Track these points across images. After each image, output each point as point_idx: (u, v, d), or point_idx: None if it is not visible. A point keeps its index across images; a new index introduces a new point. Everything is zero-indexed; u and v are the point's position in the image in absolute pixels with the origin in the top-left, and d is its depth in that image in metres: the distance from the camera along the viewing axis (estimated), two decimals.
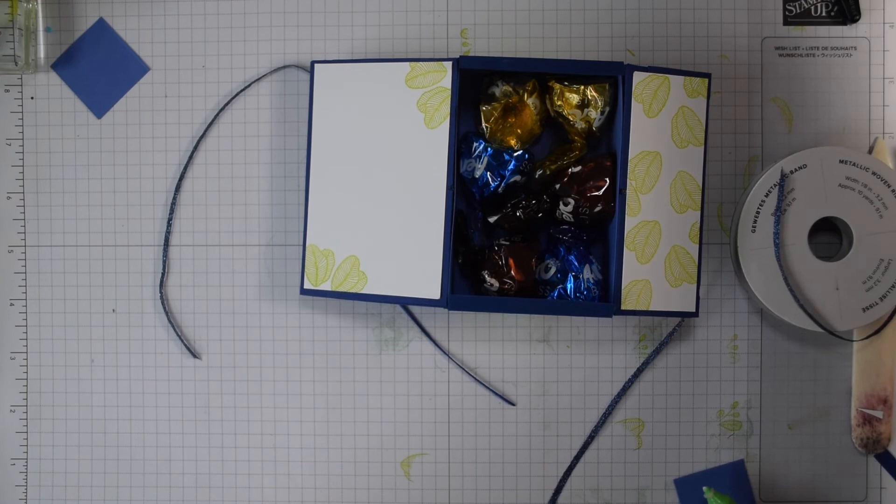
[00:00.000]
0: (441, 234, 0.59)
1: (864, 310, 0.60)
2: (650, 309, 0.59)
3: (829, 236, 0.63)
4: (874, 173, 0.60)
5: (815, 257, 0.61)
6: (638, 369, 0.64)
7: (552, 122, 0.62)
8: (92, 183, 0.65)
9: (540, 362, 0.64)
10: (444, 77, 0.59)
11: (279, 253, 0.65)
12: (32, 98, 0.65)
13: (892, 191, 0.60)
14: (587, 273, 0.60)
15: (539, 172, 0.61)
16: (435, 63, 0.59)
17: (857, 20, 0.63)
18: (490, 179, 0.60)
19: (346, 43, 0.64)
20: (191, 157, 0.65)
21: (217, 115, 0.65)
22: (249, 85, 0.65)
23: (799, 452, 0.64)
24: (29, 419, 0.66)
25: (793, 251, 0.61)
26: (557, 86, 0.60)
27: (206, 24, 0.65)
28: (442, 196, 0.59)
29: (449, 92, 0.59)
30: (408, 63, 0.59)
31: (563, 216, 0.61)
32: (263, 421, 0.65)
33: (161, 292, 0.65)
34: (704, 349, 0.64)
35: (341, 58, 0.64)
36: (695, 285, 0.60)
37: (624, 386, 0.64)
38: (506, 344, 0.64)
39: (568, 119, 0.60)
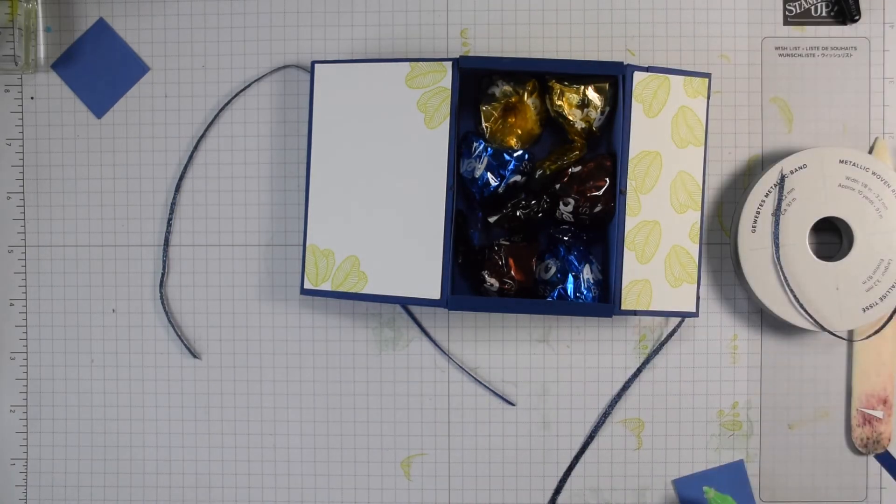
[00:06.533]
0: (441, 234, 0.59)
1: (864, 310, 0.60)
2: (650, 309, 0.59)
3: (829, 236, 0.63)
4: (874, 173, 0.60)
5: (815, 257, 0.61)
6: (638, 369, 0.64)
7: (552, 122, 0.62)
8: (92, 183, 0.65)
9: (540, 362, 0.64)
10: (444, 77, 0.59)
11: (279, 253, 0.65)
12: (32, 98, 0.65)
13: (892, 191, 0.60)
14: (587, 273, 0.60)
15: (539, 172, 0.61)
16: (435, 63, 0.59)
17: (857, 20, 0.63)
18: (490, 179, 0.60)
19: (346, 43, 0.64)
20: (191, 157, 0.65)
21: (217, 115, 0.65)
22: (249, 85, 0.65)
23: (799, 452, 0.64)
24: (29, 419, 0.66)
25: (793, 251, 0.61)
26: (557, 86, 0.60)
27: (206, 24, 0.65)
28: (442, 196, 0.59)
29: (449, 92, 0.59)
30: (408, 63, 0.59)
31: (563, 216, 0.61)
32: (263, 421, 0.65)
33: (161, 292, 0.65)
34: (704, 349, 0.64)
35: (341, 58, 0.64)
36: (695, 285, 0.60)
37: (624, 386, 0.64)
38: (506, 344, 0.64)
39: (568, 119, 0.60)
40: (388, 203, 0.60)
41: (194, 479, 0.65)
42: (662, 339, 0.64)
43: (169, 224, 0.65)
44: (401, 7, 0.64)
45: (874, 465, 0.64)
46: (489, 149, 0.60)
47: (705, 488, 0.61)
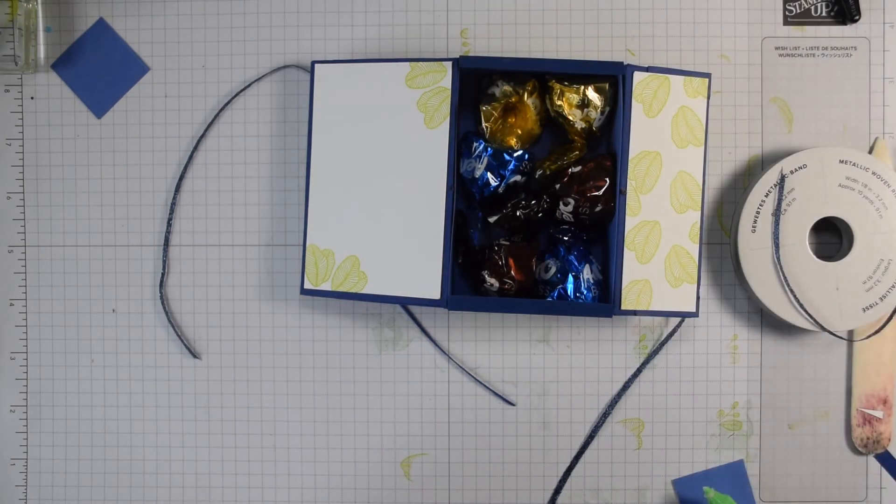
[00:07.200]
0: (441, 234, 0.59)
1: (864, 310, 0.60)
2: (650, 309, 0.59)
3: (829, 236, 0.63)
4: (874, 173, 0.60)
5: (815, 257, 0.61)
6: (638, 369, 0.64)
7: (552, 122, 0.62)
8: (92, 183, 0.65)
9: (540, 362, 0.64)
10: (444, 77, 0.59)
11: (279, 253, 0.65)
12: (32, 98, 0.65)
13: (892, 191, 0.60)
14: (587, 273, 0.60)
15: (539, 172, 0.61)
16: (435, 63, 0.59)
17: (857, 20, 0.63)
18: (490, 179, 0.60)
19: (346, 43, 0.64)
20: (191, 157, 0.65)
21: (217, 115, 0.65)
22: (249, 85, 0.65)
23: (799, 452, 0.64)
24: (29, 419, 0.66)
25: (793, 251, 0.61)
26: (557, 86, 0.60)
27: (206, 24, 0.65)
28: (442, 196, 0.59)
29: (449, 92, 0.59)
30: (408, 63, 0.59)
31: (563, 216, 0.61)
32: (263, 421, 0.65)
33: (161, 292, 0.65)
34: (704, 349, 0.64)
35: (341, 58, 0.64)
36: (695, 285, 0.60)
37: (624, 386, 0.64)
38: (506, 344, 0.64)
39: (568, 119, 0.60)
40: (388, 203, 0.60)
41: (194, 479, 0.65)
42: (662, 339, 0.64)
43: (169, 224, 0.65)
44: (401, 7, 0.64)
45: (874, 465, 0.64)
46: (489, 149, 0.60)
47: (705, 488, 0.61)
